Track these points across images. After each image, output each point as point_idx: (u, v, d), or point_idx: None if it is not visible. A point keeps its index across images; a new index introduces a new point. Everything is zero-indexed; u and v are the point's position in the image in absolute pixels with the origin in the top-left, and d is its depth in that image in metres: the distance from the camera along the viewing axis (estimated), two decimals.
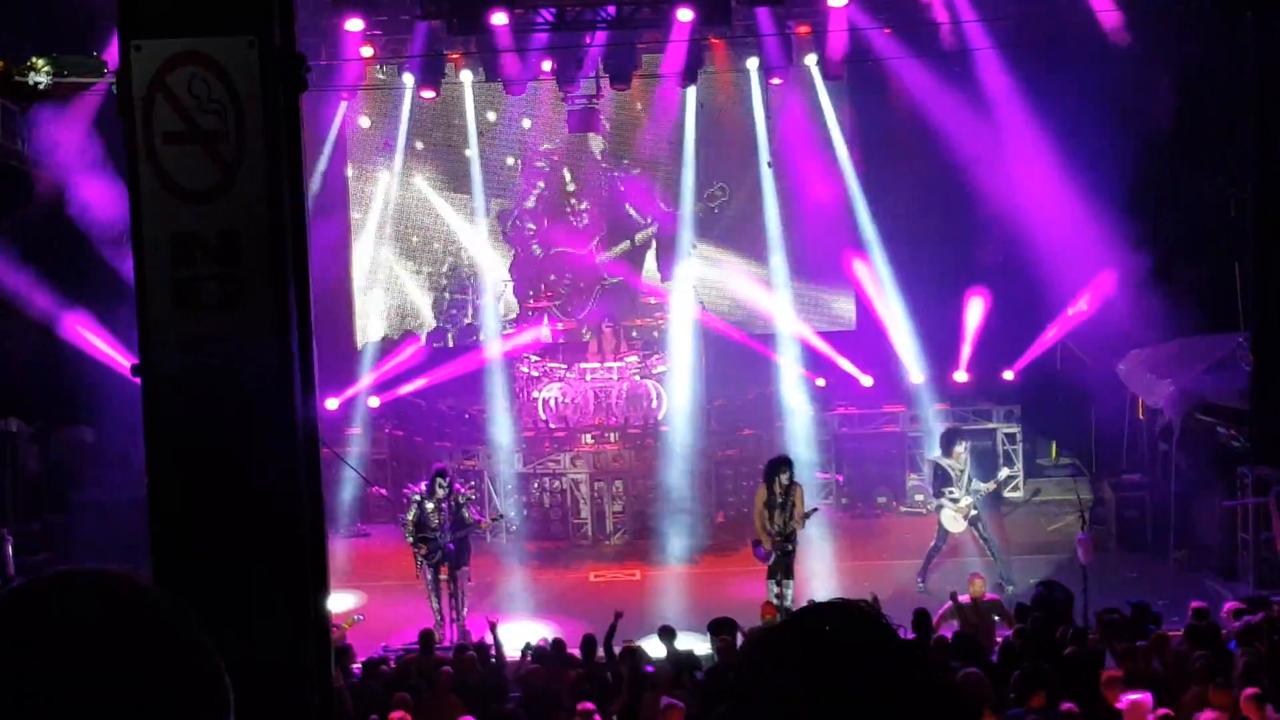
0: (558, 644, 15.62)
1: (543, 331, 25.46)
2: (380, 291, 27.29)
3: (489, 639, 15.91)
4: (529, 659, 15.61)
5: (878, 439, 25.11)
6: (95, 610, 1.87)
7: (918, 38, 24.16)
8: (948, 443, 20.64)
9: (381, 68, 25.31)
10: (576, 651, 15.31)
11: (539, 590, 21.11)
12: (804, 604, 2.05)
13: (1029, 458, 25.45)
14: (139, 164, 4.18)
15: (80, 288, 22.52)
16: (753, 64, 25.44)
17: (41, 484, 23.25)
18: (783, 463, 18.95)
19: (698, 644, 16.39)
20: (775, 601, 17.98)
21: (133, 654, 1.84)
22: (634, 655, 14.60)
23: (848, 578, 20.27)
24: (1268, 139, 19.56)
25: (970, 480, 20.15)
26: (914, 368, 25.15)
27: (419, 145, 27.23)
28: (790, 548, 18.49)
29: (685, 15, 22.82)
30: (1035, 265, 24.26)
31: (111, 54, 4.77)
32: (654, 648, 15.41)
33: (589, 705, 12.97)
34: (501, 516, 21.26)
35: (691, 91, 25.65)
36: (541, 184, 27.08)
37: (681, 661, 14.75)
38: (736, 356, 25.63)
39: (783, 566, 18.43)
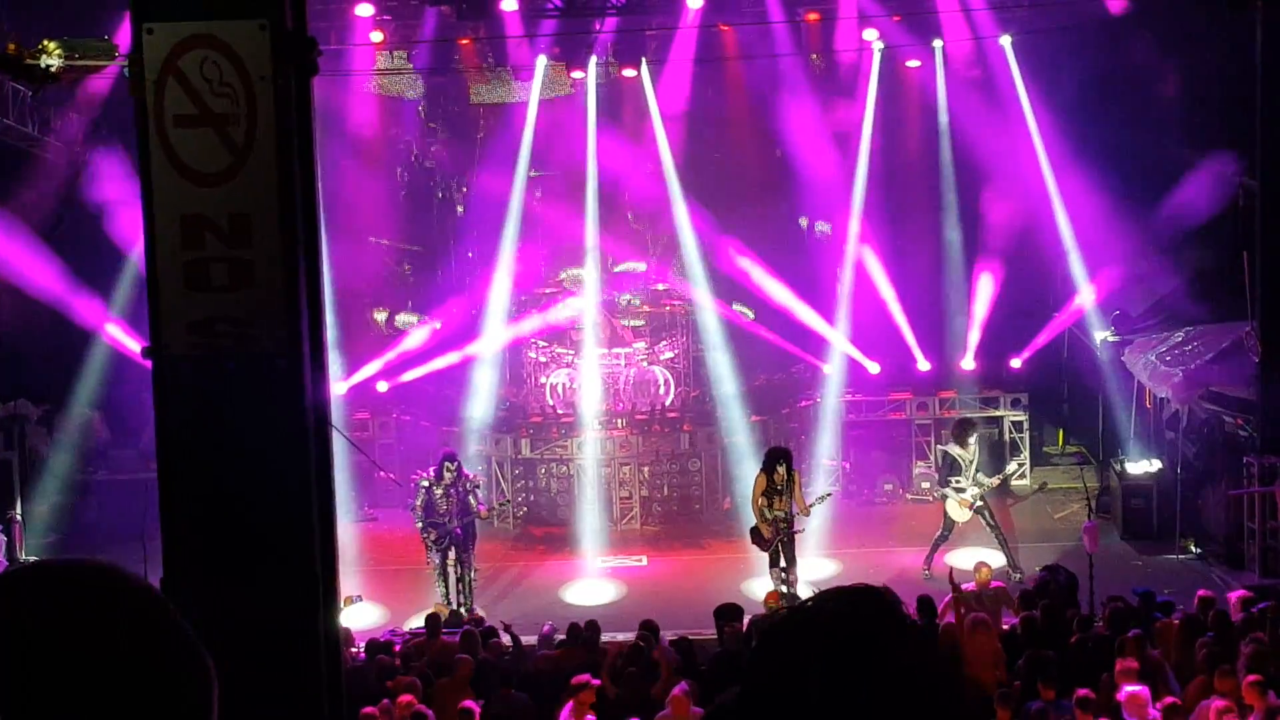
0: (573, 627, 15.54)
1: (556, 313, 25.46)
2: (392, 275, 27.24)
3: (505, 639, 15.80)
4: (537, 645, 15.61)
5: (884, 426, 25.10)
6: (71, 602, 1.87)
7: (926, 24, 24.15)
8: (961, 433, 20.63)
9: (391, 53, 25.27)
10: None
11: (546, 576, 21.13)
12: (807, 590, 1.99)
13: (1036, 446, 25.45)
14: (150, 146, 4.20)
15: (90, 269, 22.54)
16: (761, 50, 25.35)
17: (50, 465, 23.28)
18: (780, 453, 18.99)
19: (704, 631, 16.42)
20: (781, 589, 18.01)
21: (110, 643, 1.85)
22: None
23: (853, 564, 20.28)
24: (1274, 127, 19.51)
25: (977, 472, 20.17)
26: (921, 356, 25.13)
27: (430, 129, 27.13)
28: (792, 532, 18.50)
29: (695, 1, 22.80)
30: (1043, 254, 24.23)
31: (123, 37, 4.78)
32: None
33: (585, 676, 13.03)
34: (508, 502, 21.18)
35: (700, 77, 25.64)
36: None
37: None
38: (745, 343, 25.58)
39: (786, 552, 18.45)
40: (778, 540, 18.44)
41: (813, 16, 24.56)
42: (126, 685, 1.84)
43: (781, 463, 18.67)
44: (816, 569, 19.48)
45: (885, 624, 1.95)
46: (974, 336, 25.19)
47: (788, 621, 2.02)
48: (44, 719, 1.79)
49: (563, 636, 15.56)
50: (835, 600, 2.00)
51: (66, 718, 1.80)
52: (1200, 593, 15.30)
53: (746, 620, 15.22)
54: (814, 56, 25.20)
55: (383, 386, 25.08)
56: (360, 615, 17.43)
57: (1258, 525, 19.62)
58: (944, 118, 25.42)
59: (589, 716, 12.86)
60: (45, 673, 1.81)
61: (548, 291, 25.87)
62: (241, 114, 4.17)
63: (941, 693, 1.92)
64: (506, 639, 15.67)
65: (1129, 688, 11.98)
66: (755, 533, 18.73)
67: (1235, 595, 15.50)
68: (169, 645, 1.91)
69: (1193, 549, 20.84)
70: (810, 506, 18.75)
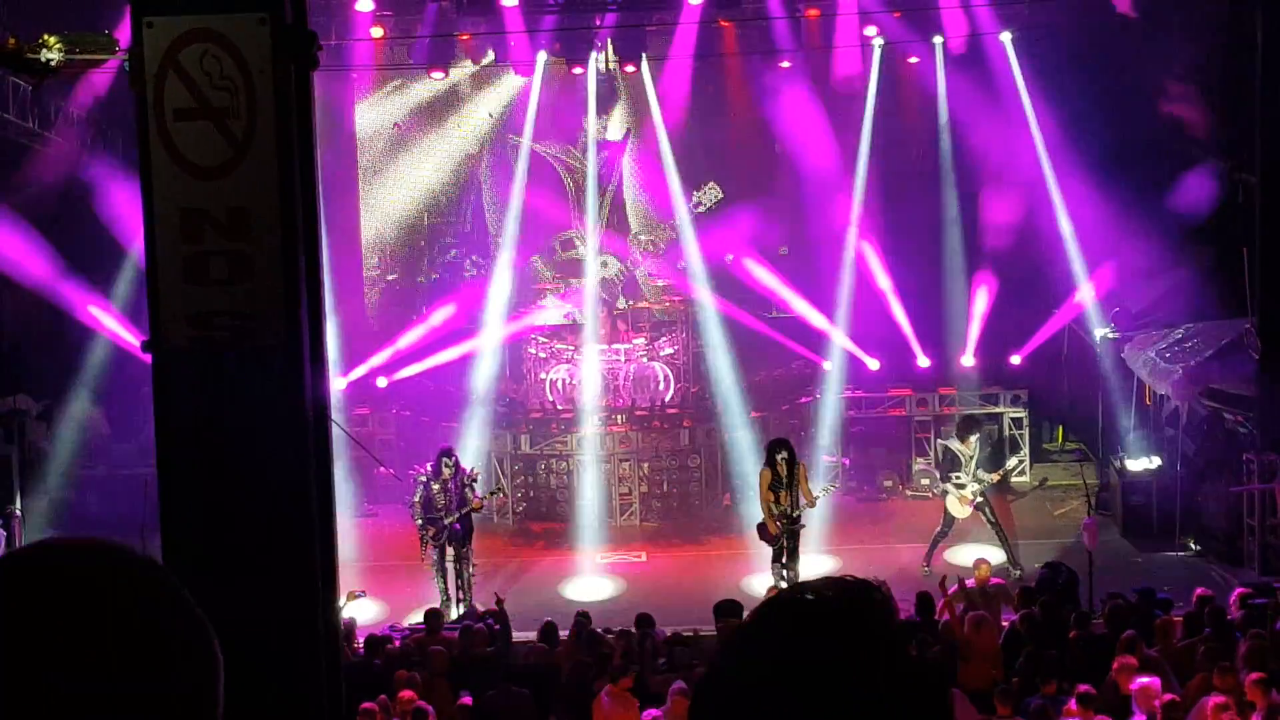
0: (578, 624, 15.51)
1: (553, 312, 25.45)
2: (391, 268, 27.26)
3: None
4: (536, 639, 15.61)
5: (884, 423, 25.07)
6: (78, 578, 1.87)
7: (927, 21, 24.12)
8: (964, 430, 20.58)
9: (391, 48, 25.27)
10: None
11: (545, 572, 21.11)
12: None
13: (1035, 442, 25.42)
14: (150, 140, 4.19)
15: (90, 264, 22.52)
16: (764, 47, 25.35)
17: (50, 461, 23.24)
18: (781, 443, 18.95)
19: (703, 627, 16.39)
20: (782, 585, 17.97)
21: (117, 620, 1.83)
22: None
23: (853, 561, 20.26)
24: (1273, 123, 19.49)
25: (977, 468, 20.12)
26: (921, 352, 25.11)
27: (427, 125, 27.14)
28: (798, 527, 18.47)
29: None
30: (1043, 250, 24.21)
31: (123, 31, 4.76)
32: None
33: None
34: (500, 489, 21.10)
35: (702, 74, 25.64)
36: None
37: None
38: (744, 339, 25.56)
39: (790, 548, 18.42)
40: (783, 535, 18.42)
41: (813, 12, 24.55)
42: (134, 663, 1.83)
43: (782, 452, 18.62)
44: (817, 565, 19.45)
45: (872, 617, 1.92)
46: (974, 333, 25.17)
47: (771, 608, 2.00)
48: (50, 700, 1.79)
49: (563, 632, 15.56)
50: (804, 588, 1.99)
51: (73, 698, 1.79)
52: (1199, 590, 15.27)
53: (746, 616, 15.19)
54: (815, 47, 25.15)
55: (382, 382, 25.06)
56: (361, 611, 17.42)
57: (1257, 522, 19.61)
58: (944, 113, 25.41)
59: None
60: (50, 652, 1.80)
61: (548, 287, 25.87)
62: (241, 107, 4.16)
63: (921, 693, 1.89)
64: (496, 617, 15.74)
65: (1140, 679, 11.97)
66: (762, 528, 18.69)
67: (1237, 592, 15.49)
68: (177, 622, 1.90)
69: (1192, 546, 20.83)
70: (816, 498, 18.73)
